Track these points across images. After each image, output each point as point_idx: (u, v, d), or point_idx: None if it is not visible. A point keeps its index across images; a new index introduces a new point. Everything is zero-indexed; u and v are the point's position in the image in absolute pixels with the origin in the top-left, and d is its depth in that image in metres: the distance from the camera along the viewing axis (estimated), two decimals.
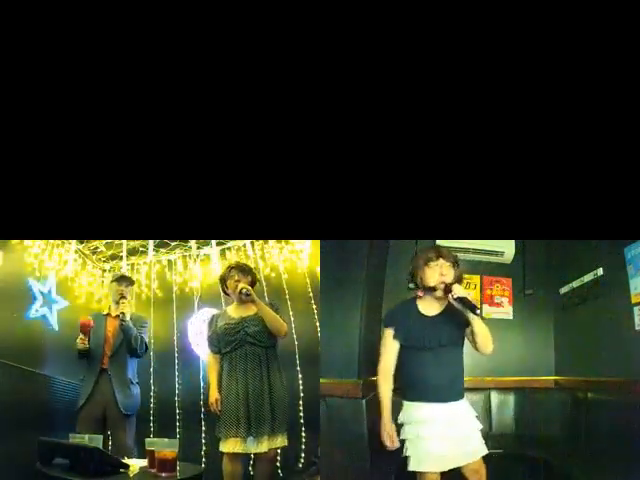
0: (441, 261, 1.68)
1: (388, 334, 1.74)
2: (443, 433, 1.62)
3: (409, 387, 1.70)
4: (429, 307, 1.73)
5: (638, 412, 2.03)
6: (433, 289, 1.69)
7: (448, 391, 1.66)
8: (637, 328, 2.22)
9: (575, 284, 2.84)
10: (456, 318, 1.66)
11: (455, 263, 1.71)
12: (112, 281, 2.69)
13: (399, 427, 1.70)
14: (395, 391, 1.75)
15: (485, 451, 1.68)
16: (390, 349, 1.73)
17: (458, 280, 1.69)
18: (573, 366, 2.89)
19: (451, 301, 1.63)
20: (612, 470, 1.93)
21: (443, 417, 1.63)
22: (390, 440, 1.67)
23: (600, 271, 2.57)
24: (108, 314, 2.63)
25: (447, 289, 1.62)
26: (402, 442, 1.68)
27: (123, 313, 2.50)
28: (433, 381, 1.65)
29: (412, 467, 1.64)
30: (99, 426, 2.41)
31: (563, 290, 3.01)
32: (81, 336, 2.44)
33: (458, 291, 1.60)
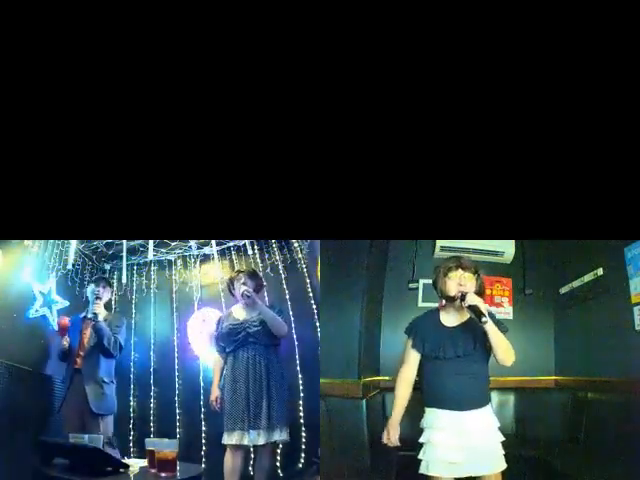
0: (460, 271, 1.67)
1: (407, 343, 1.76)
2: (453, 441, 1.61)
3: (428, 394, 1.71)
4: (450, 318, 1.73)
5: (638, 412, 2.03)
6: (453, 299, 1.68)
7: (464, 400, 1.64)
8: (637, 328, 2.22)
9: (575, 284, 2.84)
10: (477, 329, 1.65)
11: (476, 273, 1.70)
12: (90, 282, 2.76)
13: (421, 431, 1.71)
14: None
15: (502, 466, 1.64)
16: (409, 358, 1.74)
17: (479, 289, 1.69)
18: (573, 366, 2.89)
19: (465, 309, 1.64)
20: (612, 470, 1.92)
21: (455, 425, 1.63)
22: (387, 437, 1.70)
23: (600, 271, 2.57)
24: (85, 316, 2.68)
25: (462, 297, 1.62)
26: (420, 445, 1.69)
27: (95, 314, 2.56)
28: (448, 390, 1.65)
29: (421, 470, 1.65)
30: (80, 425, 2.44)
31: (563, 290, 3.01)
32: (65, 336, 2.55)
33: (471, 299, 1.60)
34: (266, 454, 2.26)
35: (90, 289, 2.71)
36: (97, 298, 2.63)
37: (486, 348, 1.66)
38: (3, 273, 2.59)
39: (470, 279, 1.68)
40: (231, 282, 2.44)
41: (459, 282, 1.66)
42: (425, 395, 1.73)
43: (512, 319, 3.15)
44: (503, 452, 1.66)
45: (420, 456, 1.67)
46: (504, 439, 1.69)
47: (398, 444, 1.71)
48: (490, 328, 1.58)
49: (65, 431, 2.32)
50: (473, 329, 1.67)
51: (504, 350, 1.61)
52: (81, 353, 2.58)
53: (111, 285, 2.86)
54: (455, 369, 1.66)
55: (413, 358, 1.74)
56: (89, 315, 2.63)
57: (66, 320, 2.59)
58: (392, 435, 1.70)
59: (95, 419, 2.47)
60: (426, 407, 1.72)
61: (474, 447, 1.62)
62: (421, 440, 1.69)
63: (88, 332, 2.62)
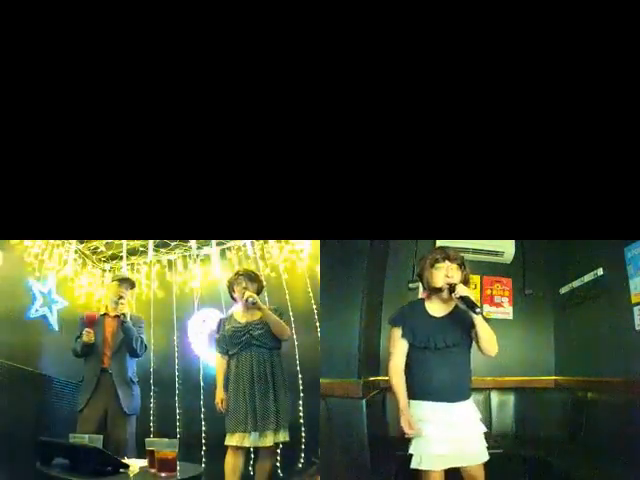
0: (447, 263, 1.70)
1: (396, 333, 1.74)
2: (444, 433, 1.62)
3: (414, 386, 1.71)
4: (437, 308, 1.75)
5: (638, 412, 2.03)
6: (439, 290, 1.70)
7: (452, 391, 1.66)
8: (637, 328, 2.22)
9: (575, 284, 2.84)
10: (463, 320, 1.68)
11: (462, 264, 1.72)
12: (113, 280, 2.71)
13: None
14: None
15: (486, 457, 1.67)
16: (399, 347, 1.74)
17: (465, 281, 1.71)
18: (573, 366, 2.89)
19: (454, 300, 1.66)
20: (612, 470, 1.93)
21: (445, 417, 1.64)
22: (408, 426, 1.64)
23: (600, 271, 2.57)
24: (106, 314, 2.63)
25: (451, 289, 1.65)
26: (410, 439, 1.68)
27: (124, 314, 2.52)
28: (437, 381, 1.66)
29: (413, 465, 1.65)
30: (101, 426, 2.40)
31: (563, 290, 3.01)
32: (87, 329, 2.45)
33: (461, 290, 1.62)
34: (267, 454, 2.27)
35: (113, 287, 2.64)
36: (121, 298, 2.57)
37: (470, 338, 1.69)
38: (3, 273, 2.59)
39: (456, 270, 1.70)
40: (231, 285, 2.41)
41: (446, 273, 1.69)
42: (411, 387, 1.71)
43: (512, 319, 3.15)
44: (486, 444, 1.69)
45: (411, 450, 1.66)
46: (486, 430, 1.72)
47: (419, 431, 1.65)
48: (480, 318, 1.61)
49: (82, 431, 2.28)
50: (459, 319, 1.69)
51: (489, 340, 1.64)
52: (107, 352, 2.53)
53: (134, 285, 2.79)
54: (444, 360, 1.67)
55: (403, 347, 1.73)
56: (112, 313, 2.59)
57: (95, 313, 2.54)
58: (410, 420, 1.65)
59: (123, 419, 2.45)
60: (411, 399, 1.71)
61: (462, 439, 1.64)
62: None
63: (112, 330, 2.57)
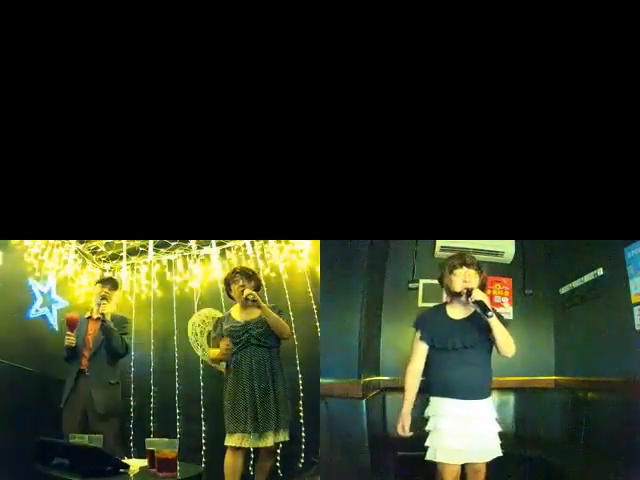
0: (465, 269, 1.78)
1: (416, 336, 1.84)
2: (460, 429, 1.69)
3: (434, 383, 1.79)
4: (456, 311, 1.83)
5: (638, 412, 2.03)
6: (458, 295, 1.79)
7: (468, 390, 1.73)
8: (637, 328, 2.21)
9: (575, 284, 2.84)
10: (481, 322, 1.74)
11: (479, 269, 1.81)
12: (97, 282, 2.74)
13: (425, 420, 1.79)
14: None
15: (499, 453, 1.74)
16: (418, 350, 1.83)
17: (482, 285, 1.80)
18: (573, 366, 2.89)
19: (471, 304, 1.74)
20: (612, 470, 1.92)
21: (462, 413, 1.70)
22: (402, 429, 1.77)
23: (600, 271, 2.57)
24: (90, 317, 2.65)
25: (468, 293, 1.73)
26: (427, 433, 1.77)
27: (103, 314, 2.53)
28: (454, 380, 1.73)
29: (428, 457, 1.73)
30: (82, 427, 2.41)
31: (563, 290, 3.00)
32: (68, 332, 2.48)
33: (476, 295, 1.70)
34: (267, 454, 2.27)
35: (97, 289, 2.67)
36: (104, 299, 2.59)
37: (489, 340, 1.76)
38: (3, 273, 2.59)
39: (474, 275, 1.79)
40: (227, 283, 2.39)
41: (464, 279, 1.77)
42: (431, 385, 1.80)
43: (512, 319, 3.14)
44: (499, 441, 1.76)
45: (427, 443, 1.74)
46: (501, 430, 1.78)
47: (411, 434, 1.77)
48: (494, 321, 1.69)
49: (65, 430, 2.31)
50: (478, 322, 1.76)
51: (505, 341, 1.72)
52: (85, 354, 2.55)
53: (117, 286, 2.81)
54: (462, 359, 1.74)
55: (421, 350, 1.82)
56: (95, 316, 2.61)
57: (75, 316, 2.56)
58: (406, 424, 1.77)
59: (101, 420, 2.45)
60: (431, 396, 1.79)
61: (477, 435, 1.70)
62: (427, 428, 1.77)
63: (93, 333, 2.58)
